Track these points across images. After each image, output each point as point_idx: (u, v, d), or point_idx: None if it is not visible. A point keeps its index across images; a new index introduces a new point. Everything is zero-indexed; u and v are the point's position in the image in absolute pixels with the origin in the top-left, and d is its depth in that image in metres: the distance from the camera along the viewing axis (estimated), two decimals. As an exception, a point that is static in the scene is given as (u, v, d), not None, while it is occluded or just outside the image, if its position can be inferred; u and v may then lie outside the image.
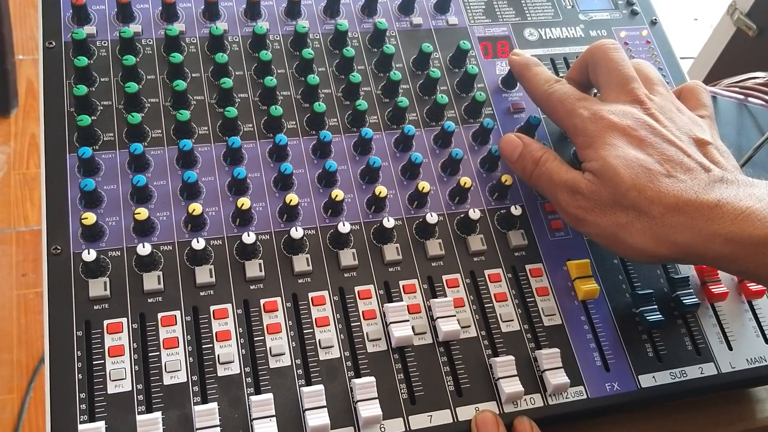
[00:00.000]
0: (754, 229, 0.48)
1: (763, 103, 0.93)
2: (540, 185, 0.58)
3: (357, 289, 0.56)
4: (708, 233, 0.50)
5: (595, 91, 0.61)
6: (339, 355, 0.53)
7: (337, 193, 0.56)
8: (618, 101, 0.56)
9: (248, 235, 0.54)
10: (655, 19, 0.74)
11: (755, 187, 0.51)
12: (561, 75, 0.66)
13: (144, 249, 0.52)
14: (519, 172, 0.60)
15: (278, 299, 0.54)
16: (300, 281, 0.55)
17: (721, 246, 0.49)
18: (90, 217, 0.52)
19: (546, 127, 0.66)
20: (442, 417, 0.53)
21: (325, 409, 0.50)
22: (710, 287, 0.60)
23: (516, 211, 0.59)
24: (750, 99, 0.95)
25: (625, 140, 0.53)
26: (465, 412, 0.53)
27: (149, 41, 0.62)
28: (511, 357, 0.54)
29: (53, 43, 0.60)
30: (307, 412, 0.50)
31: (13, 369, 1.50)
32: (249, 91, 0.61)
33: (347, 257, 0.56)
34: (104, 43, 0.61)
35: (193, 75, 0.61)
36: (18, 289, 1.62)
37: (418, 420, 0.52)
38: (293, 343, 0.53)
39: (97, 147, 0.57)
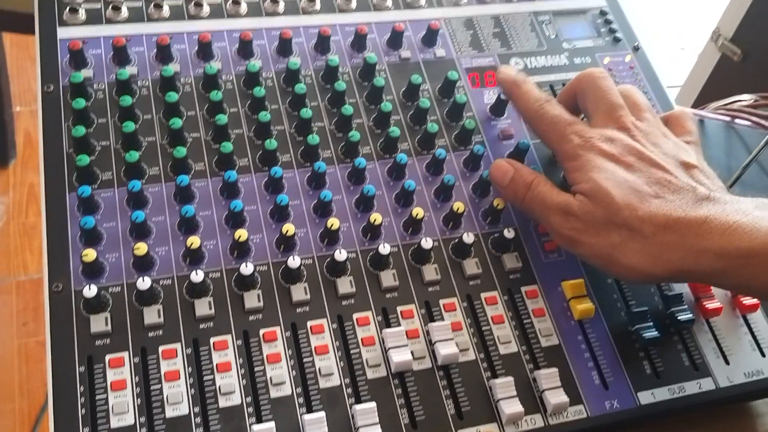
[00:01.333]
0: (741, 242, 0.50)
1: (749, 123, 0.95)
2: (532, 209, 0.59)
3: (355, 316, 0.56)
4: (698, 249, 0.51)
5: (583, 115, 0.62)
6: (339, 382, 0.54)
7: (333, 222, 0.57)
8: (606, 128, 0.57)
9: (246, 266, 0.54)
10: (638, 45, 0.76)
11: (741, 202, 0.53)
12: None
13: (144, 284, 0.53)
14: (511, 197, 0.60)
15: (277, 329, 0.55)
16: (298, 310, 0.56)
17: (712, 261, 0.51)
18: (90, 254, 0.53)
19: (535, 152, 0.67)
20: (444, 440, 0.53)
21: (327, 435, 0.50)
22: (704, 303, 0.61)
23: (509, 234, 0.60)
24: (737, 120, 0.96)
25: (614, 165, 0.55)
26: (467, 435, 0.53)
27: (145, 82, 0.64)
28: (510, 378, 0.55)
29: (52, 87, 0.62)
30: (309, 439, 0.50)
31: (15, 418, 1.49)
32: (244, 127, 0.63)
33: (345, 285, 0.57)
34: (101, 85, 0.63)
35: (189, 113, 0.63)
36: (19, 338, 1.62)
37: (420, 444, 0.52)
38: (293, 371, 0.53)
39: (96, 186, 0.58)
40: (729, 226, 0.51)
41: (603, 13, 0.77)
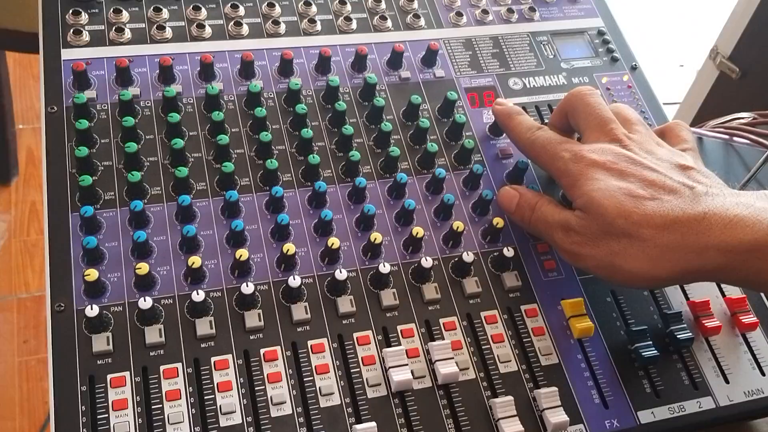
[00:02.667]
0: (744, 236, 0.49)
1: (748, 141, 0.95)
2: (538, 229, 0.60)
3: (356, 335, 0.56)
4: (700, 246, 0.50)
5: (578, 135, 0.63)
6: (339, 402, 0.54)
7: (333, 241, 0.58)
8: (598, 141, 0.58)
9: (247, 286, 0.55)
10: (635, 65, 0.76)
11: (741, 196, 0.52)
12: (545, 122, 0.68)
13: (145, 303, 0.53)
14: (519, 220, 0.62)
15: (278, 348, 0.55)
16: (299, 329, 0.56)
17: (716, 257, 0.50)
18: (92, 274, 0.53)
19: (534, 171, 0.67)
20: (444, 459, 0.53)
21: (328, 455, 0.50)
22: (703, 321, 0.61)
23: (509, 252, 0.60)
24: (735, 138, 0.97)
25: (606, 173, 0.55)
26: (467, 454, 0.53)
27: (147, 103, 0.64)
28: (510, 397, 0.55)
29: (55, 108, 0.62)
30: (309, 458, 0.50)
31: (15, 437, 1.49)
32: (245, 147, 0.64)
33: (345, 304, 0.57)
34: (104, 106, 0.63)
35: (191, 133, 0.63)
36: (20, 356, 1.62)
37: (421, 463, 0.52)
38: (294, 391, 0.54)
39: (98, 206, 0.58)
40: (730, 220, 0.50)
41: (601, 33, 0.78)
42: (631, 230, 0.52)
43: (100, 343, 0.53)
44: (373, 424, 0.52)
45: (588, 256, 0.55)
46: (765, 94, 1.46)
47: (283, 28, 0.71)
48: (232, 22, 0.70)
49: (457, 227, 0.60)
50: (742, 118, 1.04)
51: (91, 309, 0.52)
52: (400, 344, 0.56)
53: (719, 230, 0.50)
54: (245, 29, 0.70)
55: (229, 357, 0.54)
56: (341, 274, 0.57)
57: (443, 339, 0.57)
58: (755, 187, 0.84)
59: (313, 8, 0.73)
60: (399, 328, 0.57)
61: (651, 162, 0.56)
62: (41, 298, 1.74)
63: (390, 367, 0.54)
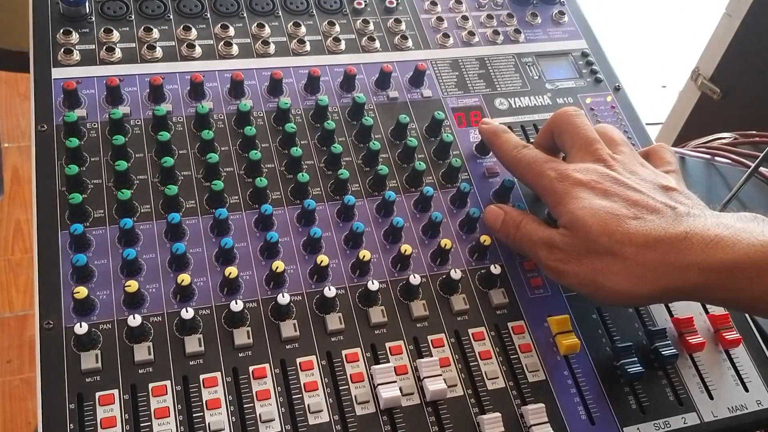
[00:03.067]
0: (724, 255, 0.50)
1: (730, 161, 0.97)
2: (522, 246, 0.60)
3: (344, 352, 0.57)
4: (681, 265, 0.51)
5: (563, 155, 0.64)
6: (328, 419, 0.54)
7: (323, 259, 0.58)
8: (583, 161, 0.59)
9: (236, 303, 0.55)
10: (618, 86, 0.78)
11: (722, 217, 0.54)
12: (531, 141, 0.69)
13: (135, 321, 0.53)
14: (503, 238, 0.62)
15: (267, 365, 0.55)
16: (288, 347, 0.56)
17: (696, 276, 0.51)
18: (82, 291, 0.53)
19: (520, 189, 0.68)
20: (433, 476, 0.53)
21: (317, 472, 0.51)
22: (687, 338, 0.62)
23: (496, 270, 0.61)
24: (717, 158, 0.99)
25: (590, 193, 0.56)
26: (455, 471, 0.53)
27: (137, 121, 0.65)
28: (498, 414, 0.55)
29: (45, 126, 0.63)
30: (298, 475, 0.50)
31: (-3, 458, 1.47)
32: (234, 165, 0.64)
33: (334, 321, 0.57)
34: (94, 124, 0.64)
35: (180, 152, 0.64)
36: (3, 376, 1.61)
37: (409, 480, 0.53)
38: (283, 408, 0.54)
39: (87, 224, 0.59)
40: (710, 240, 0.51)
41: (585, 54, 0.80)
42: (614, 248, 0.53)
43: (89, 360, 0.53)
44: (362, 441, 0.52)
45: (571, 273, 0.56)
46: (745, 114, 1.48)
47: (272, 48, 0.72)
48: (222, 42, 0.71)
49: (445, 245, 0.61)
50: (724, 138, 1.06)
51: (80, 327, 0.52)
52: (388, 361, 0.57)
53: (700, 249, 0.51)
54: (235, 49, 0.71)
55: (218, 374, 0.54)
56: (330, 291, 0.57)
57: (431, 356, 0.58)
58: (737, 206, 0.85)
59: (303, 29, 0.74)
60: (387, 345, 0.58)
61: (634, 182, 0.57)
62: (25, 318, 1.73)
63: (378, 384, 0.55)
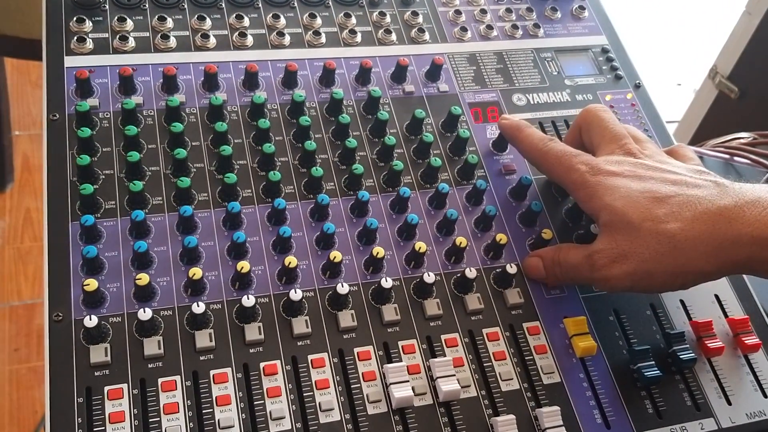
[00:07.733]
0: None
1: (749, 162, 0.96)
2: (570, 276, 0.59)
3: (356, 350, 0.56)
4: (732, 236, 0.50)
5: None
6: (339, 418, 0.53)
7: (336, 255, 0.57)
8: (612, 154, 0.58)
9: (248, 299, 0.54)
10: (639, 83, 0.77)
11: (765, 188, 0.52)
12: (550, 137, 0.68)
13: (145, 314, 0.52)
14: (554, 282, 0.61)
15: (278, 362, 0.54)
16: (299, 344, 0.55)
17: (749, 247, 0.49)
18: (92, 284, 0.53)
19: (537, 187, 0.67)
20: (445, 478, 0.52)
21: (327, 472, 0.50)
22: (706, 342, 0.61)
23: (511, 269, 0.60)
24: (736, 158, 0.97)
25: (624, 179, 0.55)
26: (467, 473, 0.52)
27: (150, 112, 0.64)
28: (512, 416, 0.54)
29: (57, 115, 0.62)
30: (308, 475, 0.50)
31: (4, 446, 1.47)
32: (248, 158, 0.63)
33: (346, 319, 0.57)
34: (107, 114, 0.63)
35: (193, 143, 0.63)
36: (10, 365, 1.61)
37: (421, 482, 0.52)
38: (293, 406, 0.53)
39: (99, 215, 0.58)
40: (764, 209, 0.49)
41: (605, 50, 0.78)
42: (659, 229, 0.52)
43: (98, 354, 0.52)
44: (374, 441, 0.51)
45: (622, 274, 0.54)
46: (764, 114, 1.46)
47: (287, 39, 0.71)
48: (236, 33, 0.70)
49: (460, 243, 0.60)
50: (742, 138, 1.04)
51: (90, 319, 0.51)
52: (401, 360, 0.56)
53: (753, 218, 0.49)
54: (249, 40, 0.70)
55: (228, 370, 0.53)
56: (343, 288, 0.56)
57: (445, 356, 0.57)
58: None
59: (318, 20, 0.73)
60: (400, 343, 0.57)
61: (669, 167, 0.56)
62: (33, 306, 1.73)
63: (391, 384, 0.54)
